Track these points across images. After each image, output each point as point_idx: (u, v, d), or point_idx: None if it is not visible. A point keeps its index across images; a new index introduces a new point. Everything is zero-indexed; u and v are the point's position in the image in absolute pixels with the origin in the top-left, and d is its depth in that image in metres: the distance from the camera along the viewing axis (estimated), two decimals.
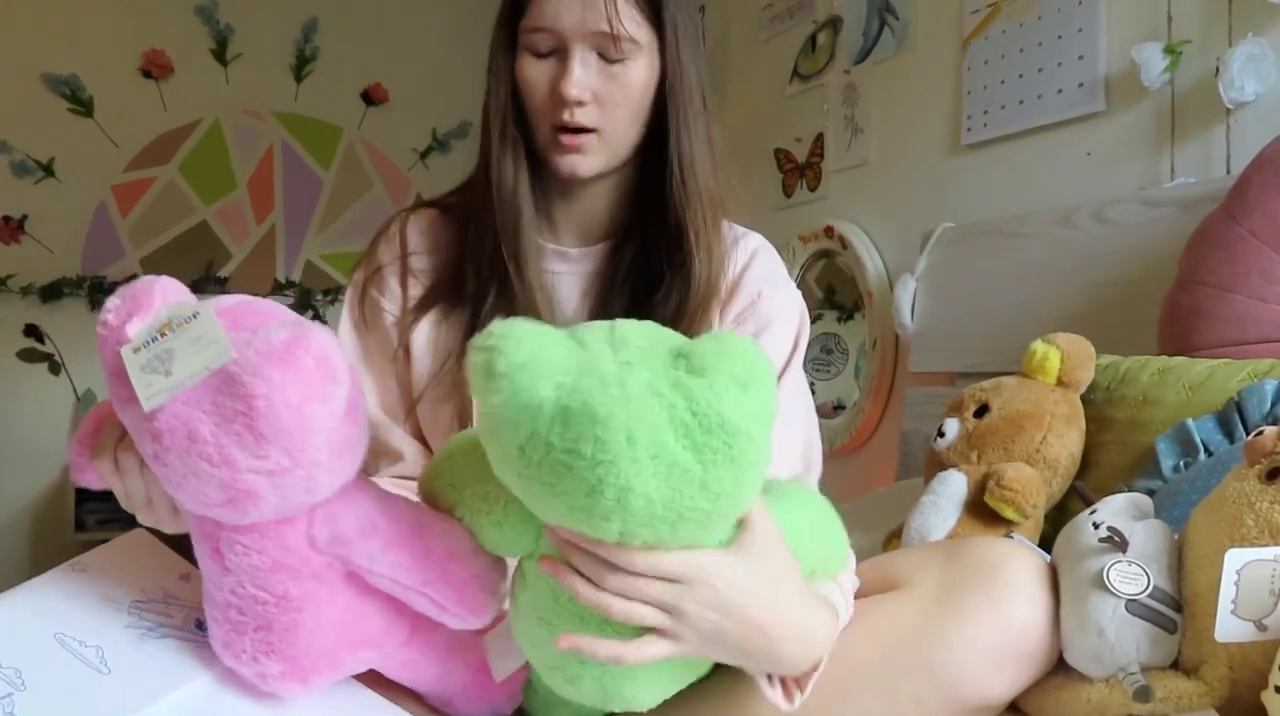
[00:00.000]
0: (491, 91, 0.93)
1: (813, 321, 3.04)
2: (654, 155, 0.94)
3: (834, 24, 2.62)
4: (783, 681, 0.71)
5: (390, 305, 0.97)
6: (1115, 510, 0.89)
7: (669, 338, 0.61)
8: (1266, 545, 0.74)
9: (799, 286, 2.76)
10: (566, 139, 0.89)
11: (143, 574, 0.75)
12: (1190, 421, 1.19)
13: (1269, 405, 1.13)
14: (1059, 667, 0.82)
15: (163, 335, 0.63)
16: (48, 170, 3.39)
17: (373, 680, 0.75)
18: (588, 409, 0.55)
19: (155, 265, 3.53)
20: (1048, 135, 2.01)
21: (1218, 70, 1.61)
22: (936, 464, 1.38)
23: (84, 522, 3.10)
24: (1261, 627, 0.71)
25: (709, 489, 0.57)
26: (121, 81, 3.48)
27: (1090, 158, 1.92)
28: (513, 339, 0.57)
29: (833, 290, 2.67)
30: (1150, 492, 1.12)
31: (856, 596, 0.83)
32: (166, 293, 0.69)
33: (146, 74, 3.51)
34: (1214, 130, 1.69)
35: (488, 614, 0.70)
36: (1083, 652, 0.79)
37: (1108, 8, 1.88)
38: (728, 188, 0.96)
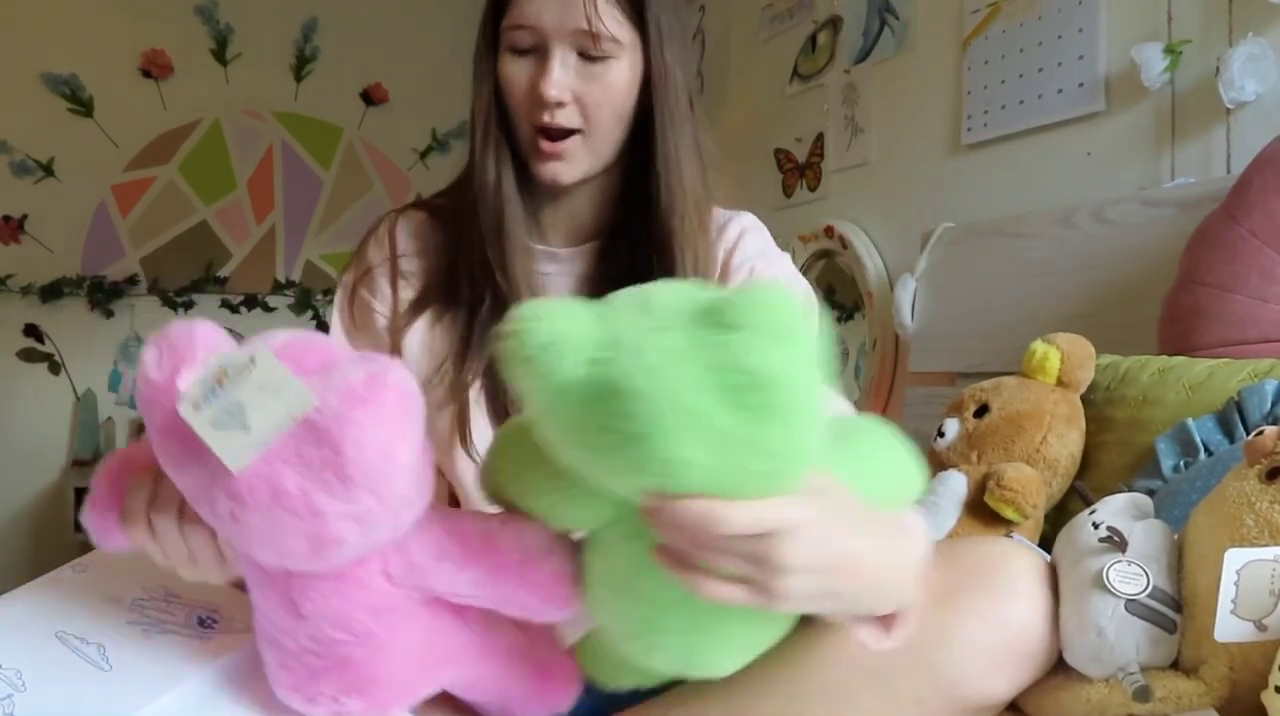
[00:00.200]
0: (476, 92, 0.92)
1: None
2: (641, 156, 0.93)
3: (834, 24, 2.62)
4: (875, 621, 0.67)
5: (381, 307, 0.97)
6: (1115, 510, 0.89)
7: (702, 295, 0.58)
8: (1266, 545, 0.74)
9: None
10: (547, 146, 0.88)
11: (144, 573, 0.75)
12: (1190, 421, 1.19)
13: (1269, 405, 1.13)
14: (1058, 667, 0.81)
15: (221, 385, 0.59)
16: (47, 170, 3.39)
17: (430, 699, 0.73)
18: (616, 383, 0.53)
19: (155, 265, 3.53)
20: (1048, 135, 2.01)
21: (1218, 70, 1.61)
22: (936, 464, 1.38)
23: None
24: (1261, 627, 0.71)
25: (761, 448, 0.54)
26: (121, 81, 3.48)
27: (1090, 158, 1.92)
28: (536, 320, 0.55)
29: (833, 290, 2.67)
30: (1150, 492, 1.12)
31: None
32: (207, 339, 0.65)
33: (146, 74, 3.51)
34: (1214, 130, 1.69)
35: (573, 604, 0.68)
36: (1082, 652, 0.79)
37: (1108, 8, 1.88)
38: (716, 186, 0.95)
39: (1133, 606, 0.78)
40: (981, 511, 1.25)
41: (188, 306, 3.56)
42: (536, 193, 0.95)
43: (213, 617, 0.73)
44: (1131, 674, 0.76)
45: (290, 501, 0.56)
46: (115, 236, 3.49)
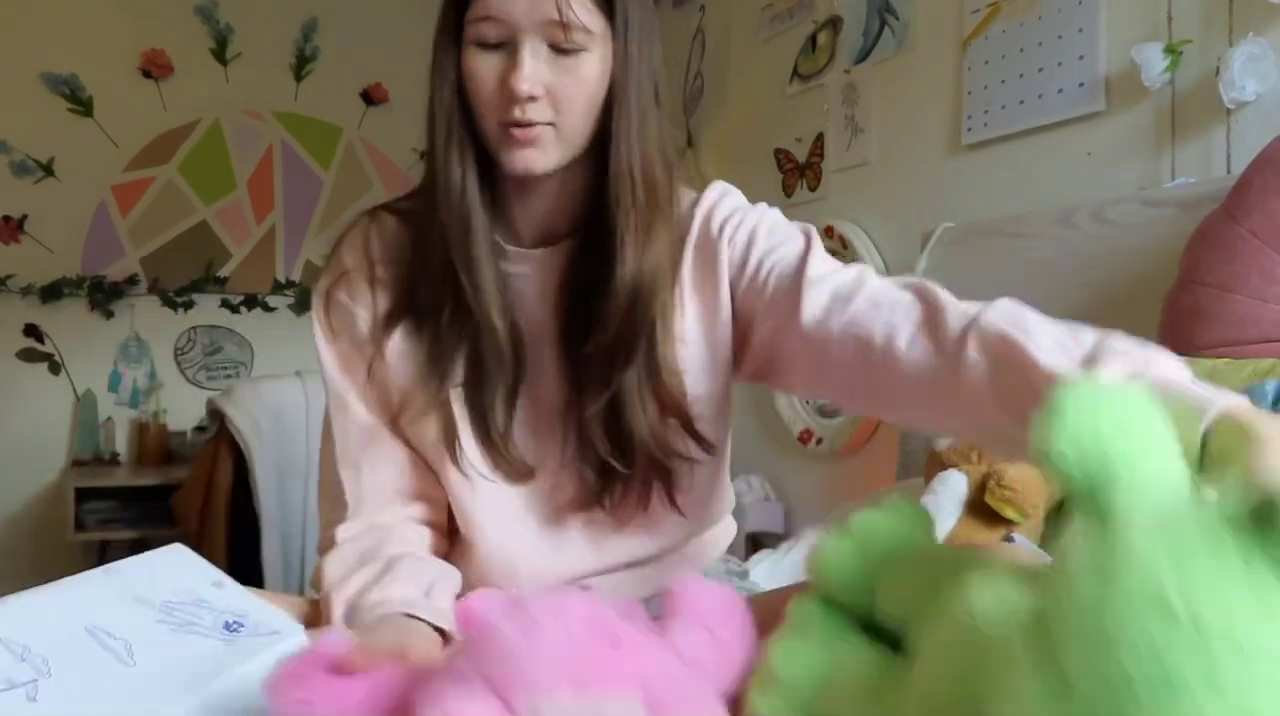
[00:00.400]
0: (436, 90, 0.88)
1: None
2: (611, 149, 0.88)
3: (834, 24, 2.62)
4: None
5: (361, 312, 0.93)
6: None
7: None
8: None
9: None
10: (519, 132, 0.83)
11: (176, 578, 0.76)
12: None
13: (1269, 405, 1.13)
14: None
15: None
16: (47, 170, 3.39)
17: None
18: None
19: (155, 265, 3.53)
20: (1048, 135, 2.01)
21: (1218, 70, 1.61)
22: (937, 463, 1.38)
23: (84, 522, 3.10)
24: None
25: None
26: (121, 81, 3.48)
27: (1090, 158, 1.92)
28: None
29: None
30: None
31: None
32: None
33: (146, 74, 3.51)
34: (1214, 130, 1.69)
35: None
36: None
37: (1108, 7, 1.88)
38: (679, 177, 0.91)
39: None
40: (982, 511, 1.26)
41: (188, 306, 3.56)
42: (507, 191, 0.91)
43: (239, 622, 0.74)
44: None
45: None
46: (115, 236, 3.49)
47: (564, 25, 0.81)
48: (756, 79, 2.95)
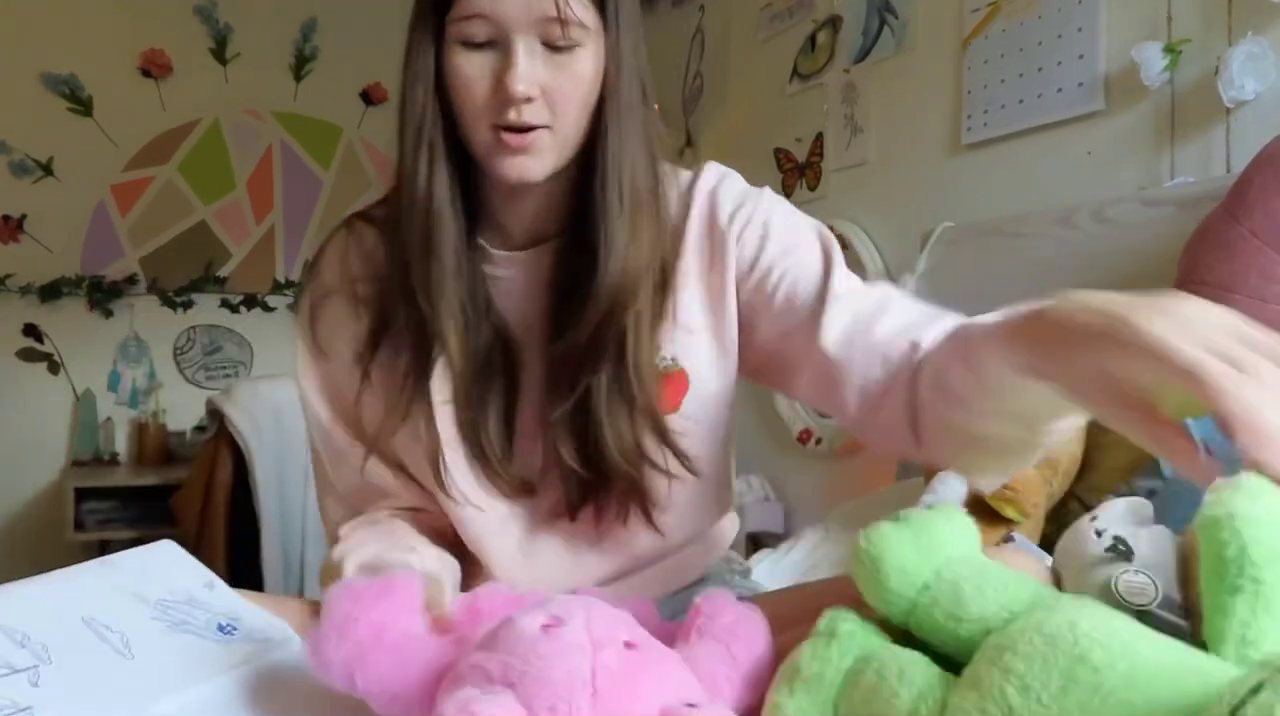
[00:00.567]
0: (408, 93, 0.82)
1: None
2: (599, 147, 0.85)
3: (833, 23, 2.62)
4: None
5: (343, 330, 0.90)
6: (1117, 516, 0.89)
7: None
8: None
9: None
10: (513, 139, 0.79)
11: (169, 577, 0.76)
12: (1190, 421, 1.19)
13: None
14: None
15: None
16: (47, 170, 3.39)
17: None
18: None
19: (154, 265, 3.53)
20: (1048, 135, 2.01)
21: (1218, 69, 1.61)
22: None
23: (84, 522, 3.10)
24: None
25: None
26: (121, 81, 3.48)
27: (1090, 157, 1.92)
28: None
29: None
30: (1150, 493, 1.12)
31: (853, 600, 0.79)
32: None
33: (146, 73, 3.51)
34: (1214, 129, 1.69)
35: None
36: None
37: (1108, 7, 1.88)
38: (665, 177, 0.87)
39: (1144, 618, 0.78)
40: (982, 510, 1.25)
41: (187, 306, 3.56)
42: (493, 196, 0.88)
43: (233, 625, 0.74)
44: None
45: None
46: (114, 236, 3.49)
47: (561, 21, 0.77)
48: (756, 78, 2.95)
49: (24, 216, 3.37)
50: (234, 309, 3.62)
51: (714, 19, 3.16)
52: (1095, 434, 1.34)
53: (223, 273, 3.61)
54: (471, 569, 0.92)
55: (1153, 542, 0.84)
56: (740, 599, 0.70)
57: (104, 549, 3.23)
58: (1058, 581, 0.85)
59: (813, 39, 2.70)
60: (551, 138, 0.80)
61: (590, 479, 0.86)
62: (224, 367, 3.62)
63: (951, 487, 1.30)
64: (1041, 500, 1.26)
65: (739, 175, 0.94)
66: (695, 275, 0.89)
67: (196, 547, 2.35)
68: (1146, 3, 1.80)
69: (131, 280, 3.48)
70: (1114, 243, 1.72)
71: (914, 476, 1.78)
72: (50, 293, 3.36)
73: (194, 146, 3.59)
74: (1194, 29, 1.72)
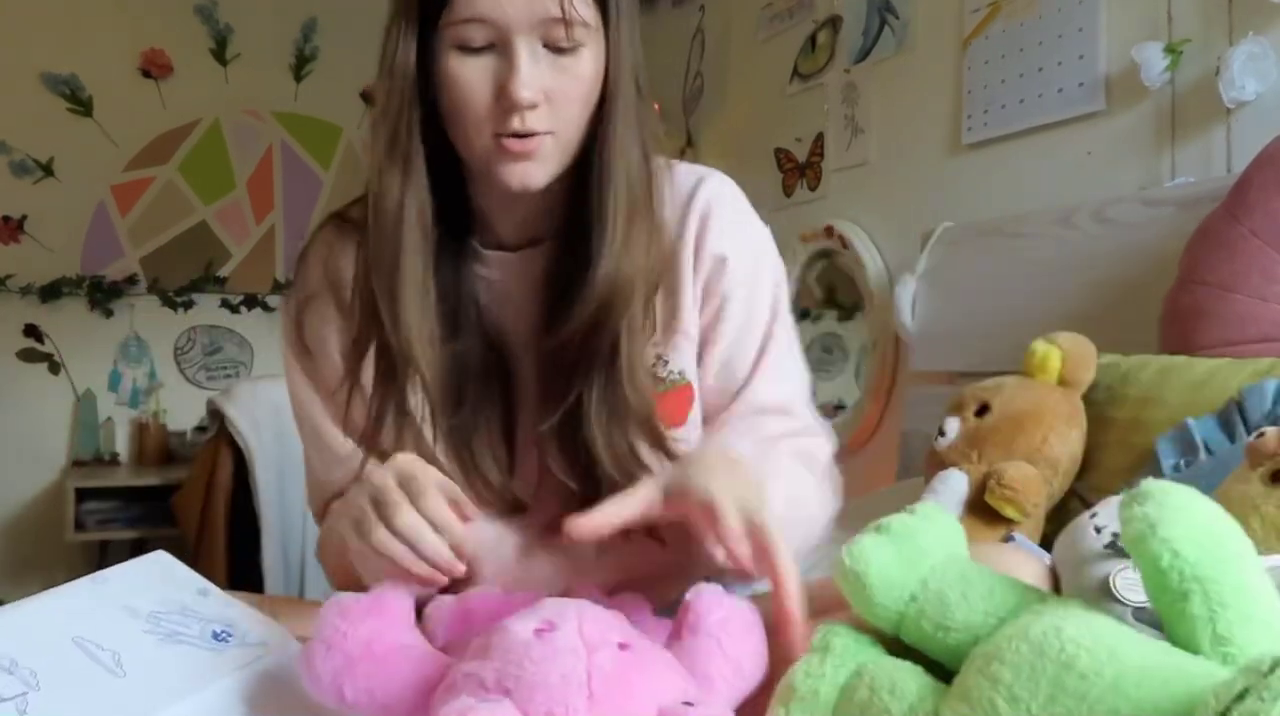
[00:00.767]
0: (386, 96, 0.78)
1: (813, 321, 3.01)
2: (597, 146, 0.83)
3: (834, 23, 2.62)
4: None
5: (329, 333, 0.88)
6: (1116, 513, 0.89)
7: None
8: (1274, 549, 0.74)
9: (799, 286, 2.74)
10: (515, 144, 0.76)
11: (162, 588, 0.76)
12: (1191, 420, 1.19)
13: (1270, 404, 1.13)
14: None
15: None
16: (47, 170, 3.39)
17: None
18: None
19: (155, 265, 3.53)
20: (1048, 135, 2.01)
21: (1218, 69, 1.61)
22: (937, 463, 1.37)
23: (84, 523, 3.10)
24: None
25: None
26: (121, 81, 3.48)
27: (1090, 157, 1.92)
28: None
29: (833, 290, 2.66)
30: None
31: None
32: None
33: (146, 74, 3.51)
34: (1214, 129, 1.69)
35: None
36: None
37: (1108, 7, 1.88)
38: (659, 171, 0.86)
39: (1141, 614, 0.78)
40: (983, 510, 1.26)
41: (187, 306, 3.56)
42: (487, 199, 0.85)
43: (227, 632, 0.74)
44: None
45: None
46: (115, 236, 3.49)
47: (566, 22, 0.74)
48: (756, 78, 2.95)
49: (24, 217, 3.37)
50: (234, 309, 3.62)
51: (714, 19, 3.16)
52: (1096, 434, 1.34)
53: (223, 272, 3.61)
54: (466, 577, 0.91)
55: None
56: (732, 590, 0.71)
57: (104, 549, 3.23)
58: (1056, 579, 0.85)
59: (813, 39, 2.70)
60: (554, 142, 0.78)
61: (586, 491, 0.83)
62: (224, 368, 3.62)
63: (952, 487, 1.30)
64: (1042, 499, 1.26)
65: (732, 197, 0.91)
66: (691, 284, 0.87)
67: (196, 548, 2.35)
68: (1147, 3, 1.80)
69: (132, 280, 3.48)
70: (1114, 243, 1.72)
71: (914, 476, 1.78)
72: (50, 293, 3.36)
73: (194, 146, 3.59)
74: (1194, 29, 1.71)
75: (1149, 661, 0.47)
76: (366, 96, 3.75)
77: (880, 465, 2.35)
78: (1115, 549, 0.80)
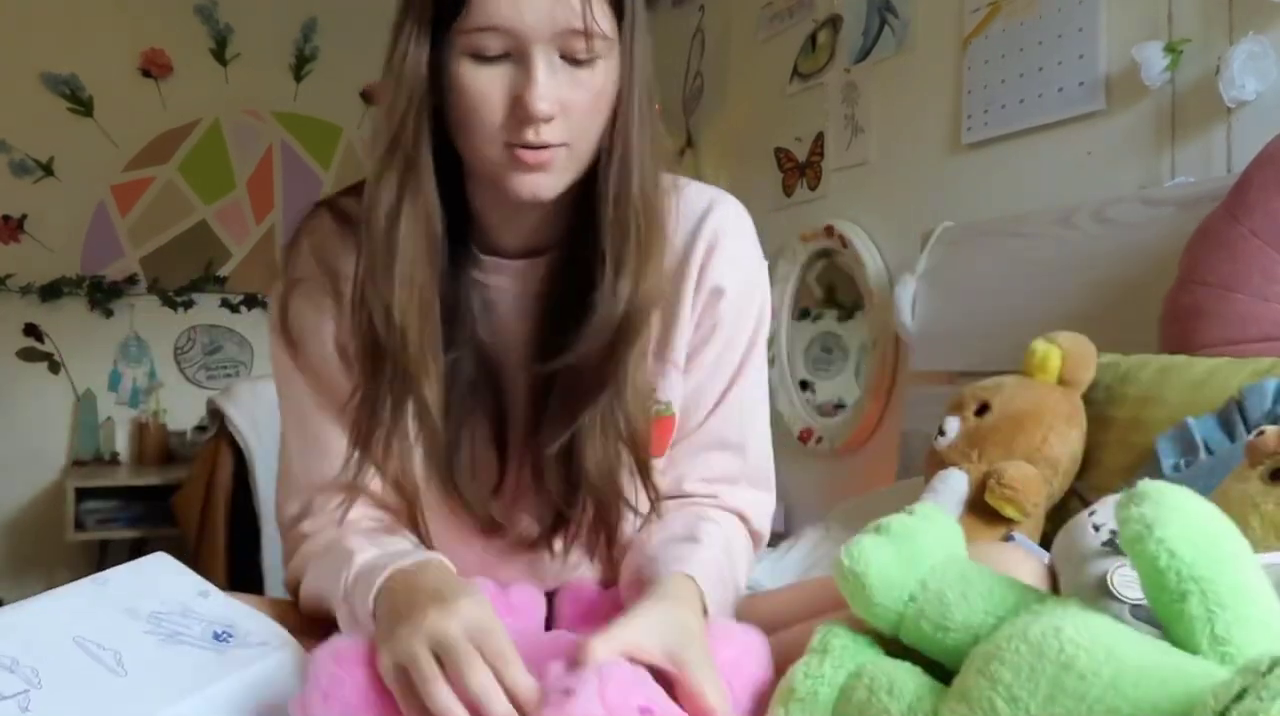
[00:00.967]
0: (391, 101, 0.75)
1: (813, 321, 3.00)
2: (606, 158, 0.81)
3: (834, 23, 2.62)
4: None
5: (323, 322, 0.86)
6: (1113, 511, 0.89)
7: None
8: (1273, 547, 0.74)
9: (799, 286, 2.74)
10: (529, 155, 0.74)
11: (163, 589, 0.76)
12: (1191, 420, 1.19)
13: (1270, 404, 1.13)
14: None
15: None
16: (47, 170, 3.39)
17: None
18: None
19: (155, 264, 3.53)
20: (1048, 134, 2.01)
21: (1218, 69, 1.61)
22: (937, 462, 1.37)
23: (84, 522, 3.10)
24: None
25: None
26: (121, 81, 3.48)
27: (1090, 157, 1.92)
28: None
29: (833, 290, 2.66)
30: None
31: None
32: None
33: (146, 73, 3.51)
34: (1214, 129, 1.69)
35: None
36: None
37: (1108, 7, 1.88)
38: (667, 191, 0.84)
39: (1138, 612, 0.78)
40: (983, 509, 1.26)
41: (187, 306, 3.56)
42: (492, 208, 0.84)
43: (228, 632, 0.74)
44: None
45: None
46: (115, 236, 3.49)
47: (586, 34, 0.72)
48: (756, 78, 2.95)
49: (24, 216, 3.37)
50: (234, 309, 3.62)
51: (714, 19, 3.16)
52: (1095, 433, 1.34)
53: (223, 272, 3.61)
54: None
55: None
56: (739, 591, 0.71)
57: (104, 548, 3.23)
58: (1055, 577, 0.85)
59: (813, 39, 2.70)
60: (568, 155, 0.76)
61: (569, 514, 0.83)
62: (224, 367, 3.62)
63: (952, 486, 1.30)
64: (1042, 499, 1.26)
65: (737, 232, 0.89)
66: (690, 313, 0.87)
67: (197, 548, 2.35)
68: (1147, 2, 1.80)
69: (132, 280, 3.48)
70: (1114, 243, 1.72)
71: (914, 475, 1.78)
72: (50, 292, 3.36)
73: (194, 146, 3.59)
74: (1194, 29, 1.71)
75: (1147, 661, 0.47)
76: (367, 96, 3.75)
77: (880, 465, 2.36)
78: (1113, 546, 0.80)
